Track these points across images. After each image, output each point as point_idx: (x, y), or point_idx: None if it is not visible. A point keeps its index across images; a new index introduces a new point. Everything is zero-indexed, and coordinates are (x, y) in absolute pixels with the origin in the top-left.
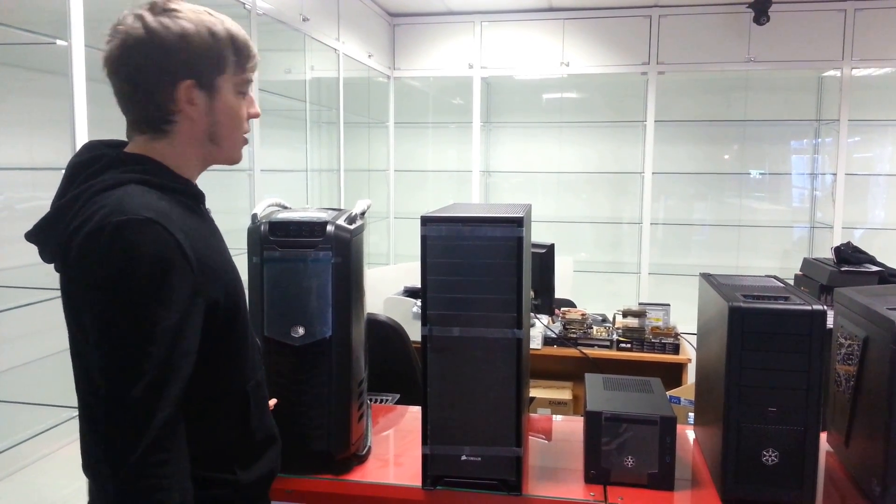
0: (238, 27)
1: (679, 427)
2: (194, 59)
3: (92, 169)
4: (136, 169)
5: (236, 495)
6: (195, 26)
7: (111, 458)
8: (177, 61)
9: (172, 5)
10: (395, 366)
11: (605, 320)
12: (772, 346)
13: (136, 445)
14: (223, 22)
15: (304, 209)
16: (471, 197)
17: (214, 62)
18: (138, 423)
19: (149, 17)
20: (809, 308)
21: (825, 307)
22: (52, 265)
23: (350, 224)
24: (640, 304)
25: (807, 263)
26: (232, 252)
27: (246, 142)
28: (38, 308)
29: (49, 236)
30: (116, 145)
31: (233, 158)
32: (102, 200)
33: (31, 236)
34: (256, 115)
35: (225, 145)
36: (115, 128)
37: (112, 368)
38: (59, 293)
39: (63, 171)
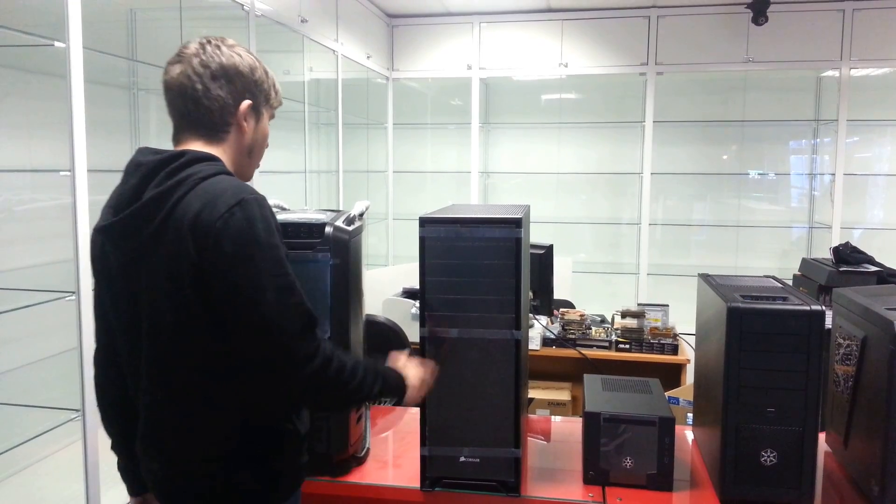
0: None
1: (678, 428)
2: (255, 87)
3: (173, 166)
4: (219, 165)
5: (301, 445)
6: (256, 63)
7: (298, 359)
8: (245, 84)
9: (231, 41)
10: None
11: (603, 321)
12: (770, 346)
13: (315, 340)
14: (266, 65)
15: (302, 210)
16: (470, 198)
17: (265, 93)
18: (312, 324)
19: (223, 47)
20: (808, 308)
21: (823, 307)
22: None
23: (348, 225)
24: (638, 304)
25: (805, 264)
26: None
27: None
28: (37, 310)
29: (143, 223)
30: (164, 152)
31: (251, 175)
32: (211, 187)
33: (120, 225)
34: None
35: (254, 161)
36: (113, 129)
37: (279, 293)
38: (57, 295)
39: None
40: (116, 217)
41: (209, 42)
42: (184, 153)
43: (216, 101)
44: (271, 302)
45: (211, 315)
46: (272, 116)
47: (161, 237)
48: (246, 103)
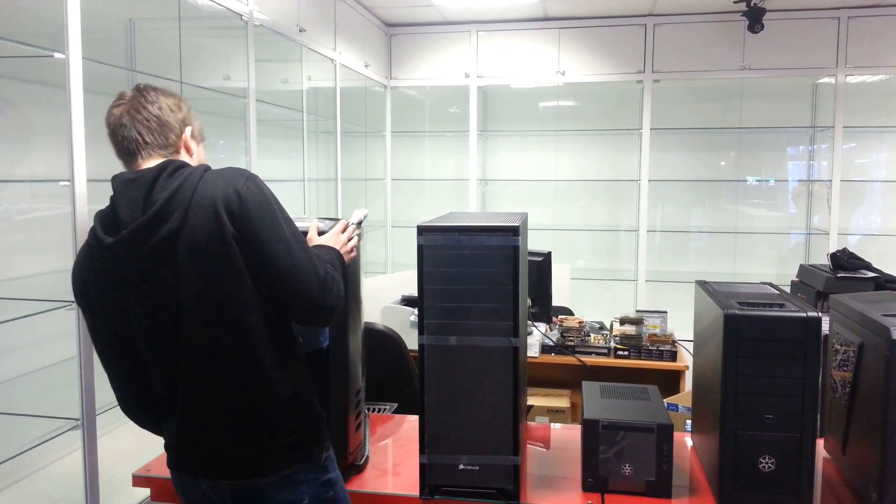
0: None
1: (677, 434)
2: (188, 113)
3: (165, 172)
4: (198, 167)
5: (324, 431)
6: (178, 95)
7: (325, 288)
8: (182, 114)
9: (150, 86)
10: (393, 375)
11: (602, 328)
12: (767, 352)
13: (338, 281)
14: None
15: (301, 219)
16: (468, 205)
17: (193, 121)
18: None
19: (150, 93)
20: (804, 315)
21: (819, 314)
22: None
23: None
24: (637, 311)
25: (803, 270)
26: None
27: None
28: (36, 320)
29: (160, 222)
30: (147, 168)
31: None
32: (211, 178)
33: (136, 233)
34: None
35: None
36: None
37: (298, 242)
38: (56, 305)
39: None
40: (128, 228)
41: (137, 91)
42: (169, 162)
43: (165, 124)
44: (295, 249)
45: (252, 273)
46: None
47: (191, 221)
48: (188, 129)
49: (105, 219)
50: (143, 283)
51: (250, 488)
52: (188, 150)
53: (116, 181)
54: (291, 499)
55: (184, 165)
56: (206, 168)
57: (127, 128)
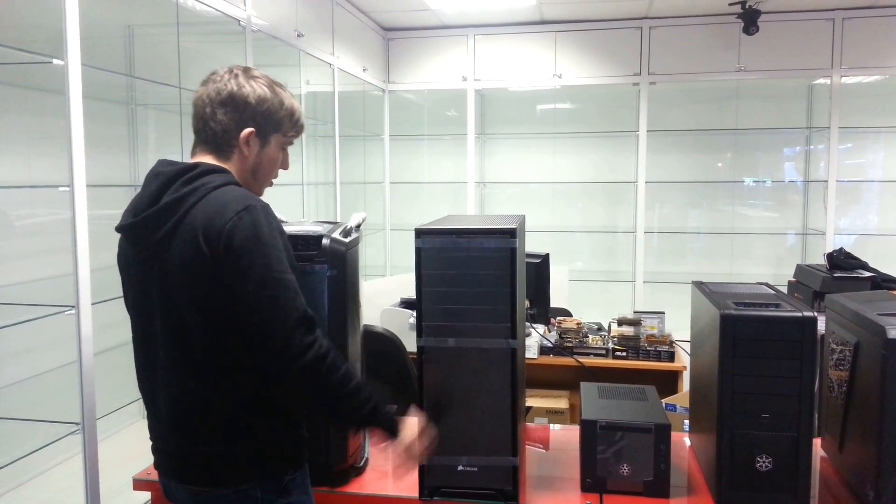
0: (298, 104)
1: (674, 434)
2: (261, 116)
3: (188, 175)
4: (228, 176)
5: (304, 450)
6: (270, 94)
7: (292, 348)
8: (251, 113)
9: (255, 73)
10: (392, 377)
11: (600, 329)
12: (764, 352)
13: (311, 335)
14: (290, 97)
15: (300, 223)
16: (466, 208)
17: (275, 123)
18: (308, 320)
19: (241, 77)
20: (800, 314)
21: (815, 313)
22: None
23: (345, 237)
24: (635, 312)
25: (800, 270)
26: None
27: (271, 184)
28: (36, 324)
29: (159, 224)
30: (180, 163)
31: (259, 193)
32: (221, 196)
33: (139, 225)
34: (285, 168)
35: (259, 182)
36: (111, 144)
37: (276, 286)
38: (57, 309)
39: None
40: (136, 218)
41: (232, 70)
42: (197, 165)
43: (219, 124)
44: (269, 293)
45: (225, 308)
46: (288, 143)
47: (174, 238)
48: (247, 130)
49: (134, 200)
50: (136, 273)
51: (206, 497)
52: (242, 153)
53: (154, 167)
54: None
55: (209, 173)
56: (225, 183)
57: (198, 108)
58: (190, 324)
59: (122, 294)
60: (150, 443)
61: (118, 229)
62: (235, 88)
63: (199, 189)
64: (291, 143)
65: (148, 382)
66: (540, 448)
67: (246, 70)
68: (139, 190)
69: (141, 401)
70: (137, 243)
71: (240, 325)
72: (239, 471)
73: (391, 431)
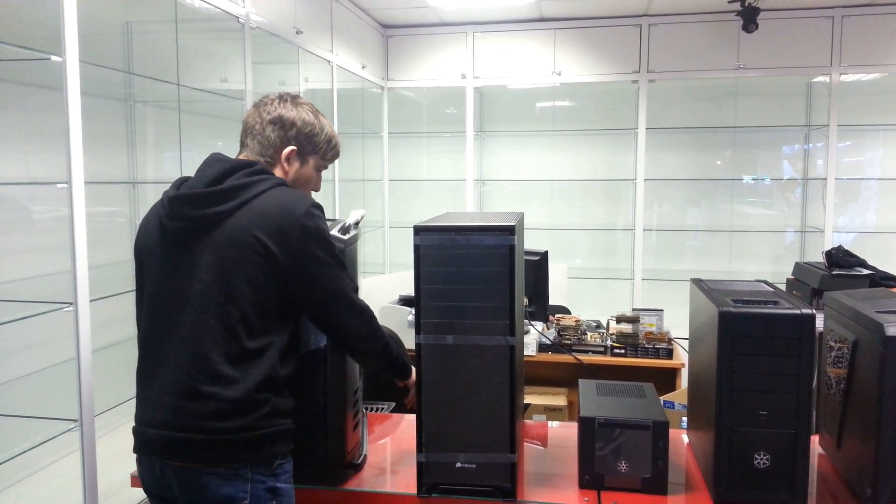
0: (336, 133)
1: (673, 431)
2: (304, 137)
3: (251, 168)
4: (279, 179)
5: (291, 440)
6: (313, 120)
7: (370, 335)
8: (295, 133)
9: (302, 100)
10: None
11: (599, 326)
12: (762, 350)
13: (374, 321)
14: (330, 125)
15: None
16: (465, 206)
17: (315, 145)
18: (370, 314)
19: (289, 104)
20: (798, 312)
21: (813, 311)
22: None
23: (344, 234)
24: (633, 309)
25: (799, 267)
26: None
27: None
28: (34, 321)
29: (219, 202)
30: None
31: None
32: (279, 195)
33: (200, 196)
34: (317, 189)
35: None
36: (110, 141)
37: (347, 285)
38: (55, 306)
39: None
40: (193, 191)
41: (282, 97)
42: (257, 162)
43: (266, 138)
44: (346, 303)
45: (278, 292)
46: (323, 167)
47: (232, 218)
48: (289, 148)
49: (183, 181)
50: (186, 235)
51: (195, 474)
52: (283, 168)
53: (213, 155)
54: (232, 494)
55: (268, 172)
56: (281, 182)
57: (248, 124)
58: (237, 295)
59: (120, 291)
60: (135, 425)
61: (170, 199)
62: (284, 112)
63: (265, 181)
64: (326, 168)
65: (154, 357)
66: (538, 445)
67: (294, 97)
68: (195, 172)
69: None
70: (186, 215)
71: (287, 305)
72: (236, 450)
73: (405, 375)
